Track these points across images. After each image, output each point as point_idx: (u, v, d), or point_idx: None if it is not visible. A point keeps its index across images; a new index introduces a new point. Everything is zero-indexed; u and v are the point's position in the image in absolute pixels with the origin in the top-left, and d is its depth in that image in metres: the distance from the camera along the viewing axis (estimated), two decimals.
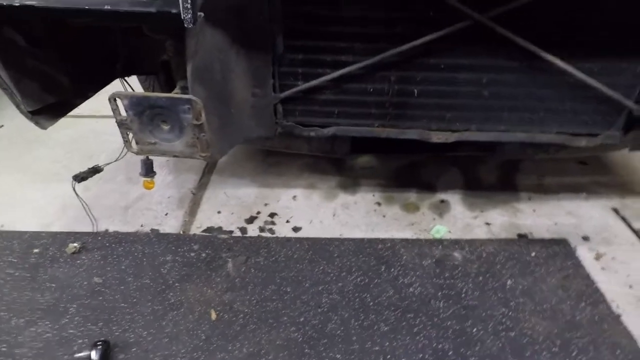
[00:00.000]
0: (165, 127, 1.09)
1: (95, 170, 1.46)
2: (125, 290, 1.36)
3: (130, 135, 1.13)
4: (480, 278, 1.40)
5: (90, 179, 1.60)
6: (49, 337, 1.22)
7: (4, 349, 1.19)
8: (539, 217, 1.72)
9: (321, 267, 1.44)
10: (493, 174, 1.98)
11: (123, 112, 1.09)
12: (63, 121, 1.42)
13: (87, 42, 1.41)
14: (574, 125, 1.33)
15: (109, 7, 0.90)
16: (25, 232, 1.59)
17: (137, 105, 1.05)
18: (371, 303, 1.31)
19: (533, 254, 1.50)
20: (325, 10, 1.16)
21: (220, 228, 1.65)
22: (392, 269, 1.43)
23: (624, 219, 1.70)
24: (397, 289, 1.36)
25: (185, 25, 0.88)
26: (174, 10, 0.87)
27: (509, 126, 1.32)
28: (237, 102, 1.26)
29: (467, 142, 1.39)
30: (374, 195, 1.83)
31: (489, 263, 1.46)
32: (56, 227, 1.64)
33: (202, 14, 0.92)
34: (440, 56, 1.19)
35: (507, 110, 1.29)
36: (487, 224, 1.68)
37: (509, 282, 1.39)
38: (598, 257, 1.51)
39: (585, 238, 1.60)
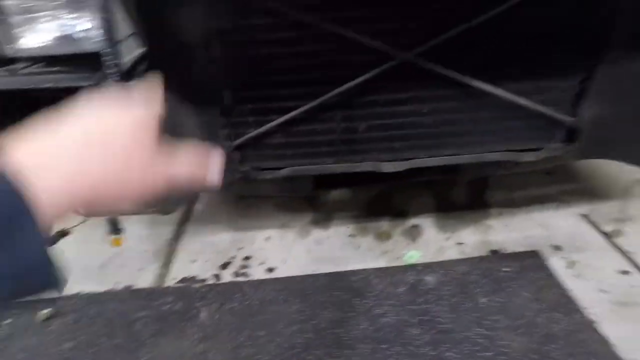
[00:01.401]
0: None
1: (62, 234, 1.49)
2: (97, 353, 1.34)
3: None
4: (454, 299, 1.40)
5: (64, 242, 1.63)
6: None
7: None
8: (511, 231, 1.74)
9: (295, 306, 1.43)
10: (463, 194, 2.01)
11: None
12: None
13: None
14: (517, 142, 1.38)
15: (49, 85, 0.97)
16: None
17: None
18: (345, 338, 1.30)
19: (506, 269, 1.51)
20: (265, 66, 1.24)
21: (194, 277, 1.65)
22: (366, 300, 1.43)
23: (594, 224, 1.72)
24: (371, 321, 1.35)
25: None
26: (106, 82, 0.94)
27: (455, 150, 1.38)
28: None
29: (427, 168, 1.44)
30: (347, 228, 1.85)
31: (462, 283, 1.46)
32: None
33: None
34: (377, 93, 1.26)
35: (450, 136, 1.35)
36: (459, 243, 1.70)
37: (482, 300, 1.39)
38: (570, 265, 1.52)
39: (557, 247, 1.62)
